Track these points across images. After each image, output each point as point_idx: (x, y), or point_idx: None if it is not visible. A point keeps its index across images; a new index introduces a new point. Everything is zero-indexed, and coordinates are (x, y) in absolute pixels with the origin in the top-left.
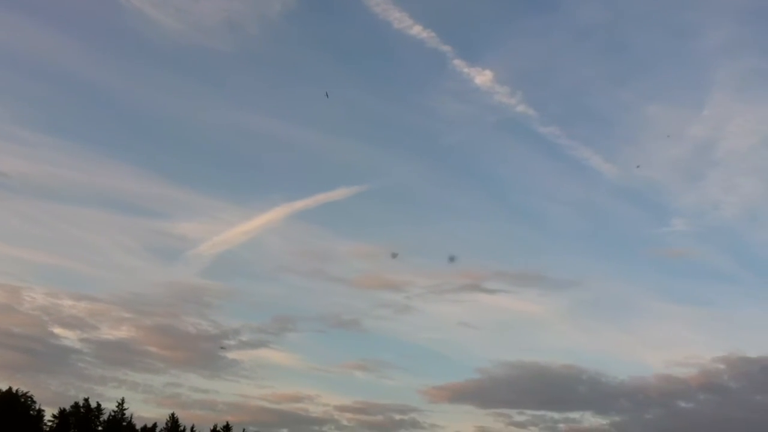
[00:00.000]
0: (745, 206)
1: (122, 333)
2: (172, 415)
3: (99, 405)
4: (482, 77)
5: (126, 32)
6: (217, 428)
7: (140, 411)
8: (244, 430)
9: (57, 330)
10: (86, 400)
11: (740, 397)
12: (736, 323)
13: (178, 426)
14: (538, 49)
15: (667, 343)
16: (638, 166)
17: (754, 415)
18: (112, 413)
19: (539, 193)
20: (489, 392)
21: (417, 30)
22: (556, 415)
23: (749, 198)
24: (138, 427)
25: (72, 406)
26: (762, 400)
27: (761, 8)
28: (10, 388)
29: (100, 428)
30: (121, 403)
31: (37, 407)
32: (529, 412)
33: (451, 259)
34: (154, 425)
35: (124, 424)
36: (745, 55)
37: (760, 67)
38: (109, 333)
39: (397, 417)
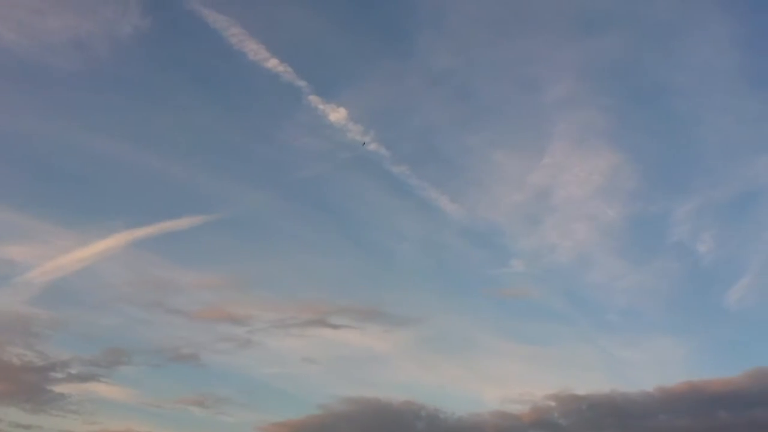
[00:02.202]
0: (578, 251)
1: None
2: None
3: None
4: (337, 114)
5: None
6: None
7: None
8: None
9: None
10: None
11: None
12: (567, 361)
13: None
14: (392, 91)
15: (504, 380)
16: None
17: None
18: None
19: (388, 230)
20: (329, 429)
21: (273, 63)
22: None
23: (582, 243)
24: None
25: None
26: None
27: (597, 66)
28: None
29: None
30: None
31: None
32: None
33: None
34: None
35: None
36: (582, 109)
37: (594, 122)
38: None
39: None
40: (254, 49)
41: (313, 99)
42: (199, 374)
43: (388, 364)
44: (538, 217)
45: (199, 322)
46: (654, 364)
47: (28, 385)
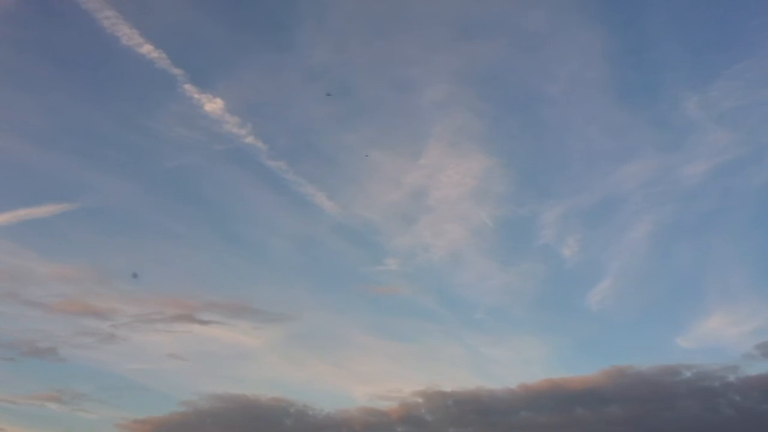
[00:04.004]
0: (450, 250)
1: None
2: None
3: None
4: (213, 105)
5: None
6: None
7: None
8: None
9: None
10: None
11: (435, 429)
12: (435, 358)
13: None
14: (271, 84)
15: (373, 376)
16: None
17: None
18: None
19: (262, 225)
20: (193, 426)
21: (147, 49)
22: None
23: (454, 243)
24: None
25: None
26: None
27: (473, 72)
28: None
29: None
30: None
31: None
32: None
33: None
34: None
35: None
36: (458, 113)
37: (469, 125)
38: None
39: None
40: (127, 34)
41: (188, 88)
42: (56, 369)
43: (257, 360)
44: (412, 216)
45: (57, 315)
46: (518, 362)
47: None
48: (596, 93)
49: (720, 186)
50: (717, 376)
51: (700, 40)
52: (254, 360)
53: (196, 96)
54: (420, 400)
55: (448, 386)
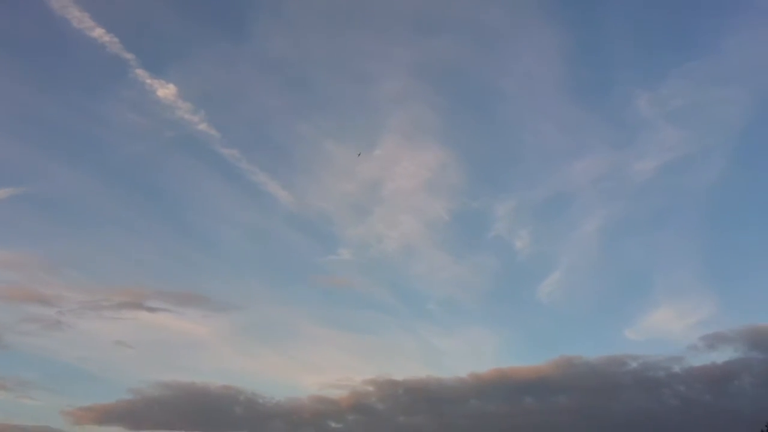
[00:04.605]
0: (404, 242)
1: None
2: None
3: None
4: (165, 90)
5: None
6: None
7: None
8: None
9: None
10: None
11: (386, 417)
12: (387, 349)
13: None
14: (226, 73)
15: (324, 366)
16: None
17: None
18: None
19: (213, 213)
20: (141, 413)
21: (99, 33)
22: None
23: (408, 235)
24: None
25: None
26: (405, 420)
27: (429, 66)
28: None
29: None
30: None
31: None
32: None
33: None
34: None
35: None
36: (414, 106)
37: (425, 118)
38: None
39: None
40: (78, 17)
41: (140, 73)
42: (0, 356)
43: (207, 349)
44: (366, 207)
45: (1, 302)
46: (468, 353)
47: None
48: (551, 89)
49: (669, 183)
50: (662, 366)
51: (651, 40)
52: (204, 348)
53: (148, 81)
54: (371, 388)
55: (399, 375)
